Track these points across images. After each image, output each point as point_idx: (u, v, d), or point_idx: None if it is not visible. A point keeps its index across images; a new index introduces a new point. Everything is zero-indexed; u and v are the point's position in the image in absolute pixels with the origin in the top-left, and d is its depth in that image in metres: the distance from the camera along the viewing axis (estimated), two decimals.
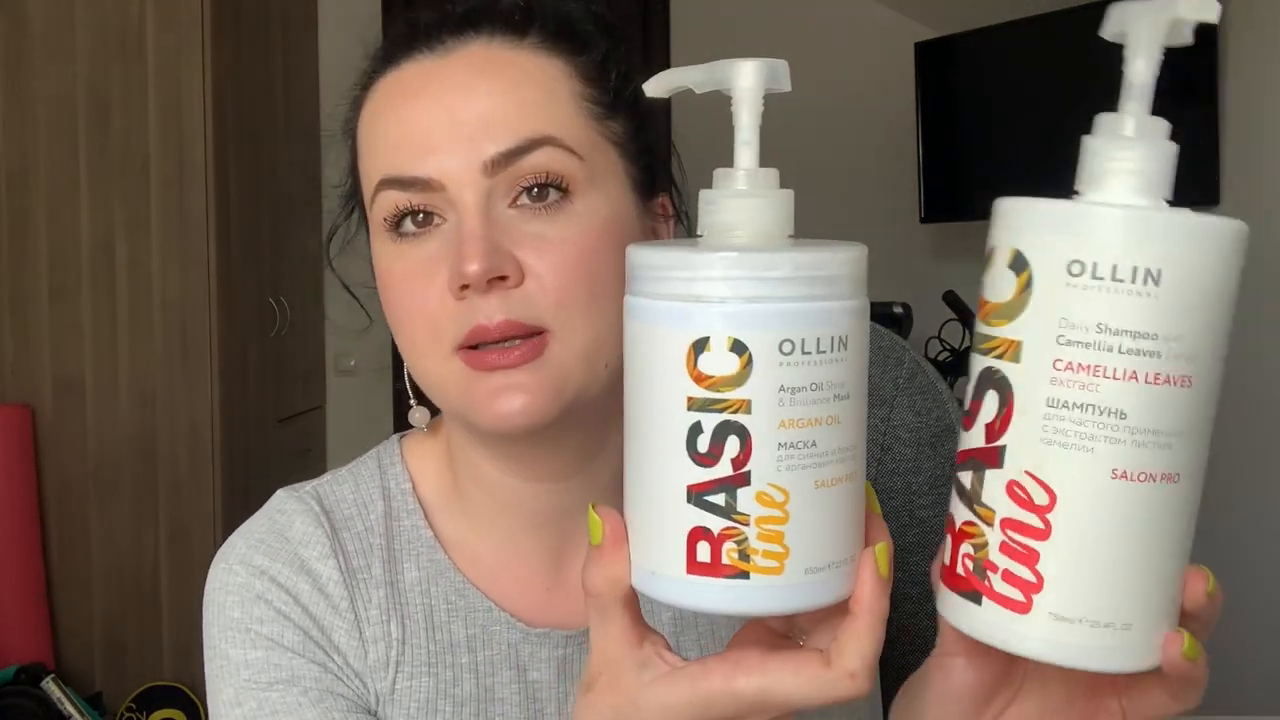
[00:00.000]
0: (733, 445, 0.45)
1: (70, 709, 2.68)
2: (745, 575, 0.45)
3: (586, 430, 0.70)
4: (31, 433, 2.95)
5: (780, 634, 0.53)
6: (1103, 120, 0.45)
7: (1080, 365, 0.42)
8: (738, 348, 0.44)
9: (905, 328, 3.35)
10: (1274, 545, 2.52)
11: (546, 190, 0.65)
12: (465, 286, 0.63)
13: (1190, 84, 2.75)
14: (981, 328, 0.45)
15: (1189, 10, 0.43)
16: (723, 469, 0.45)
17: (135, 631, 3.00)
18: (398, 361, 0.76)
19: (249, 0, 3.21)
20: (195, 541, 2.97)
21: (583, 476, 0.73)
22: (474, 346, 0.64)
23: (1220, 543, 2.72)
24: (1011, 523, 0.44)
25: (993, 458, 0.44)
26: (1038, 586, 0.43)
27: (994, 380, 0.44)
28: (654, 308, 0.46)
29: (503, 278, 0.63)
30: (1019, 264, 0.43)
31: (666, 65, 3.99)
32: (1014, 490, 0.43)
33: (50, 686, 2.69)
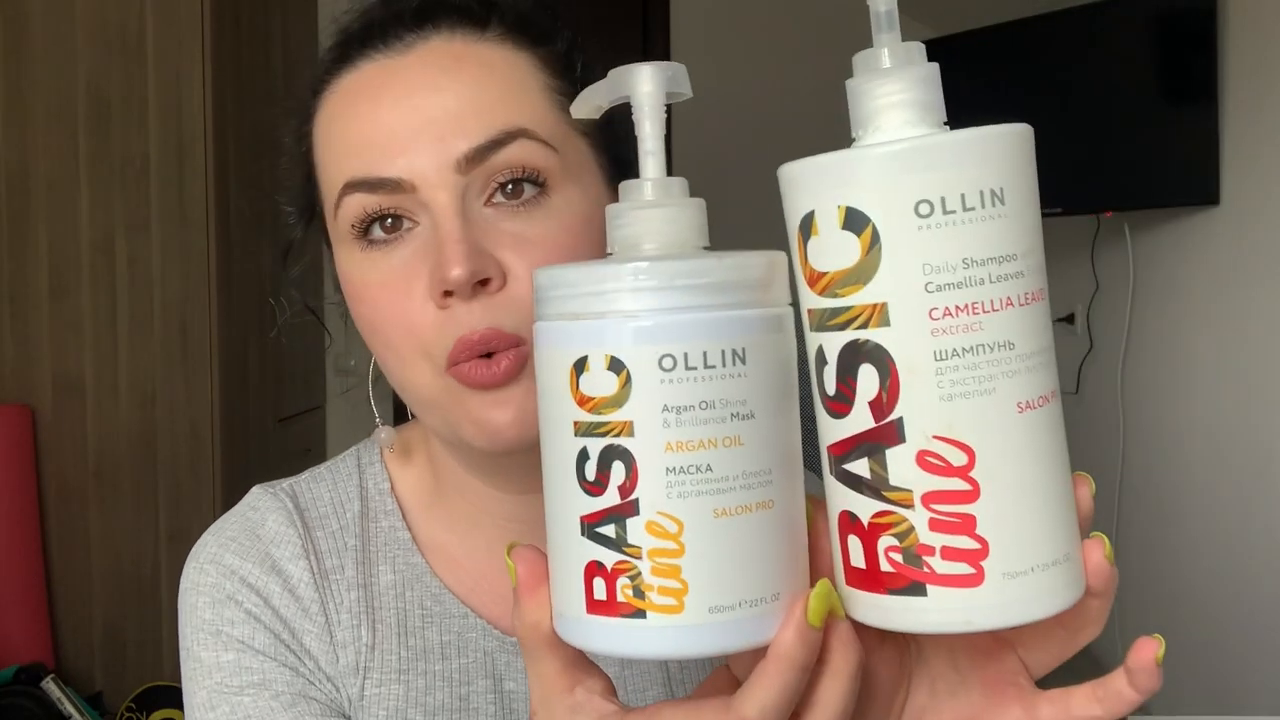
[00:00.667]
0: (618, 471, 0.41)
1: (70, 709, 2.68)
2: (642, 614, 0.41)
3: None
4: (31, 433, 2.94)
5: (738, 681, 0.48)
6: (862, 58, 0.42)
7: (958, 307, 0.39)
8: (615, 365, 0.40)
9: None
10: (1274, 545, 2.52)
11: (522, 185, 0.62)
12: (449, 294, 0.60)
13: (1190, 84, 2.75)
14: (823, 301, 0.41)
15: None
16: (610, 498, 0.41)
17: (135, 631, 2.99)
18: None
19: (249, 0, 3.21)
20: (195, 541, 2.96)
21: None
22: (464, 360, 0.61)
23: (1220, 543, 2.72)
24: (934, 495, 0.40)
25: (890, 434, 0.40)
26: (983, 552, 0.40)
27: (865, 352, 0.40)
28: (544, 329, 0.43)
29: (486, 281, 0.61)
30: (856, 221, 0.39)
31: None
32: (926, 460, 0.40)
33: (50, 686, 2.69)
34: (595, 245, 0.63)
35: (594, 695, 0.46)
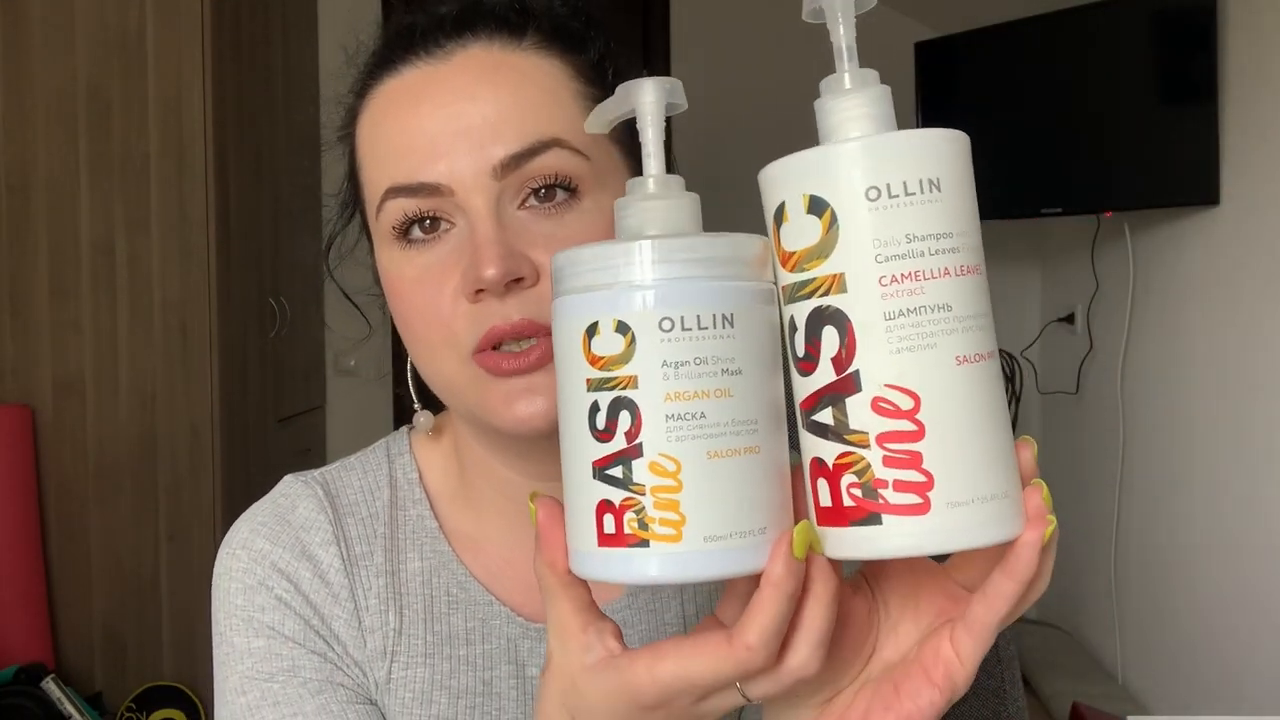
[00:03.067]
0: (625, 419, 0.48)
1: (70, 709, 2.68)
2: (646, 544, 0.47)
3: None
4: (31, 433, 2.95)
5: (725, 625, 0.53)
6: (828, 82, 0.50)
7: (903, 275, 0.46)
8: (622, 328, 0.48)
9: None
10: (1275, 545, 2.52)
11: (555, 191, 0.66)
12: (481, 291, 0.64)
13: (1190, 84, 2.75)
14: (792, 276, 0.48)
15: None
16: (618, 443, 0.48)
17: (135, 631, 2.99)
18: (398, 364, 0.76)
19: (249, 0, 3.21)
20: (195, 541, 2.97)
21: None
22: (493, 348, 0.65)
23: (1221, 542, 2.72)
24: (886, 435, 0.46)
25: (849, 385, 0.47)
26: (929, 484, 0.46)
27: (827, 316, 0.47)
28: (560, 303, 0.51)
29: (519, 279, 0.64)
30: (817, 206, 0.47)
31: (667, 66, 3.95)
32: (879, 405, 0.46)
33: (50, 686, 2.69)
34: None
35: (605, 635, 0.52)
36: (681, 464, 0.47)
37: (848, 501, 0.47)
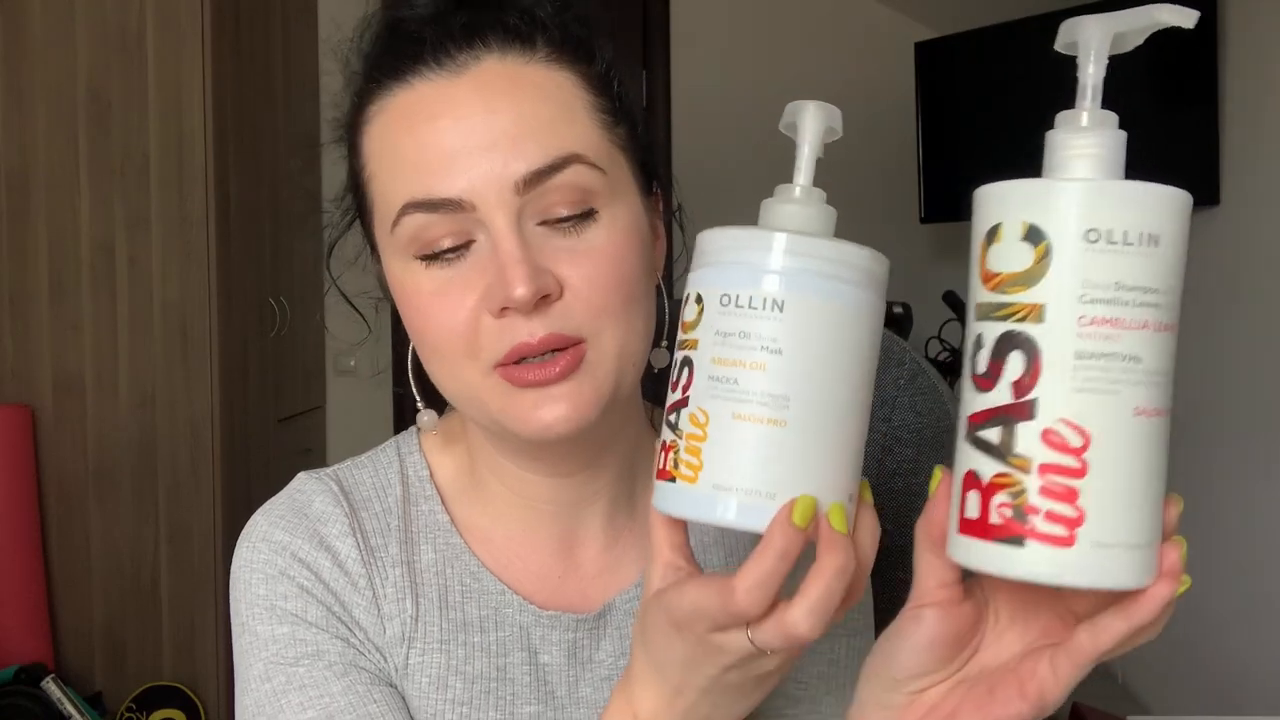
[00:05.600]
0: (684, 375, 0.55)
1: (70, 709, 2.68)
2: (673, 480, 0.55)
3: (607, 427, 0.72)
4: (31, 433, 2.94)
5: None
6: (1064, 116, 0.52)
7: (1103, 319, 0.47)
8: (699, 299, 0.55)
9: (905, 328, 3.36)
10: (1275, 545, 2.52)
11: (575, 208, 0.67)
12: (507, 308, 0.65)
13: (1190, 84, 2.75)
14: (993, 296, 0.50)
15: (1170, 16, 0.52)
16: (678, 394, 0.55)
17: (135, 631, 2.99)
18: (398, 365, 0.77)
19: (249, 0, 3.21)
20: (195, 541, 2.97)
21: (595, 469, 0.77)
22: (516, 361, 0.66)
23: (1221, 542, 2.72)
24: (1050, 467, 0.48)
25: (1024, 411, 0.49)
26: (1079, 520, 0.48)
27: (1018, 341, 0.49)
28: (699, 276, 0.57)
29: (545, 296, 0.65)
30: (1034, 236, 0.48)
31: (666, 68, 3.94)
32: (1049, 437, 0.48)
33: (50, 686, 2.69)
34: (639, 251, 0.70)
35: (679, 566, 0.59)
36: (710, 418, 0.53)
37: (995, 519, 0.49)
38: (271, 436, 3.35)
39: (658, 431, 0.80)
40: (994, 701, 0.54)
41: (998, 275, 0.50)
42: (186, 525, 2.97)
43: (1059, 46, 0.54)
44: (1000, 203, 0.50)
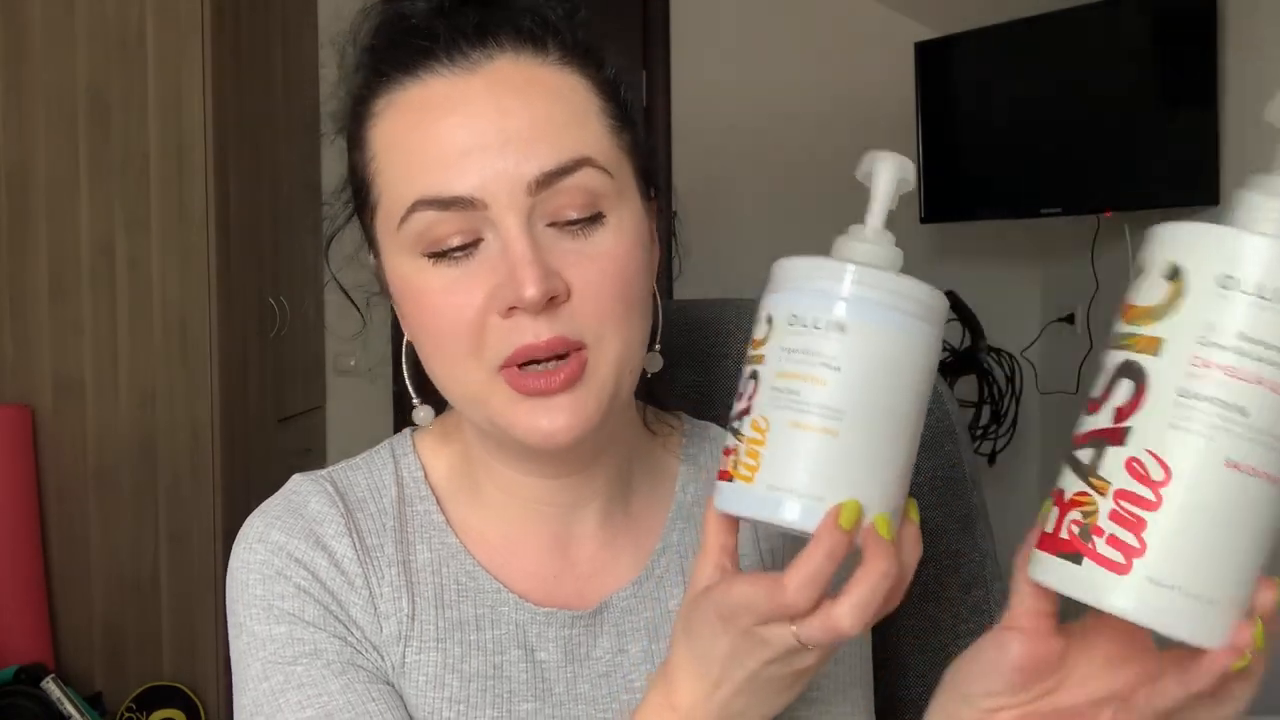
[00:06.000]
0: (749, 387, 0.59)
1: (70, 709, 2.68)
2: (732, 480, 0.58)
3: (604, 431, 0.72)
4: (31, 433, 2.94)
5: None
6: (1263, 180, 0.51)
7: (1217, 364, 0.47)
8: (768, 320, 0.59)
9: None
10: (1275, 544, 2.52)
11: (584, 209, 0.67)
12: (514, 308, 0.66)
13: (1190, 84, 2.75)
14: (1122, 328, 0.51)
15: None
16: (743, 403, 0.59)
17: (135, 631, 2.99)
18: (396, 363, 0.77)
19: (249, 0, 3.21)
20: (195, 541, 2.97)
21: (591, 471, 0.77)
22: (521, 364, 0.66)
23: None
24: (1125, 494, 0.49)
25: (1117, 436, 0.49)
26: (1140, 551, 0.48)
27: (1130, 370, 0.50)
28: (774, 300, 0.60)
29: (554, 298, 0.66)
30: (1174, 274, 0.49)
31: (667, 69, 3.93)
32: (1133, 465, 0.49)
33: (50, 686, 2.69)
34: (642, 256, 0.70)
35: (724, 564, 0.61)
36: (770, 424, 0.57)
37: (1064, 534, 0.51)
38: (271, 436, 3.35)
39: (651, 431, 0.81)
40: None
41: (1133, 308, 0.51)
42: (186, 525, 2.97)
43: (1267, 117, 0.52)
44: (1156, 242, 0.51)
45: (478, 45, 0.68)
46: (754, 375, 0.59)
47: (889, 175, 0.60)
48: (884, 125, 3.60)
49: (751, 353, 0.60)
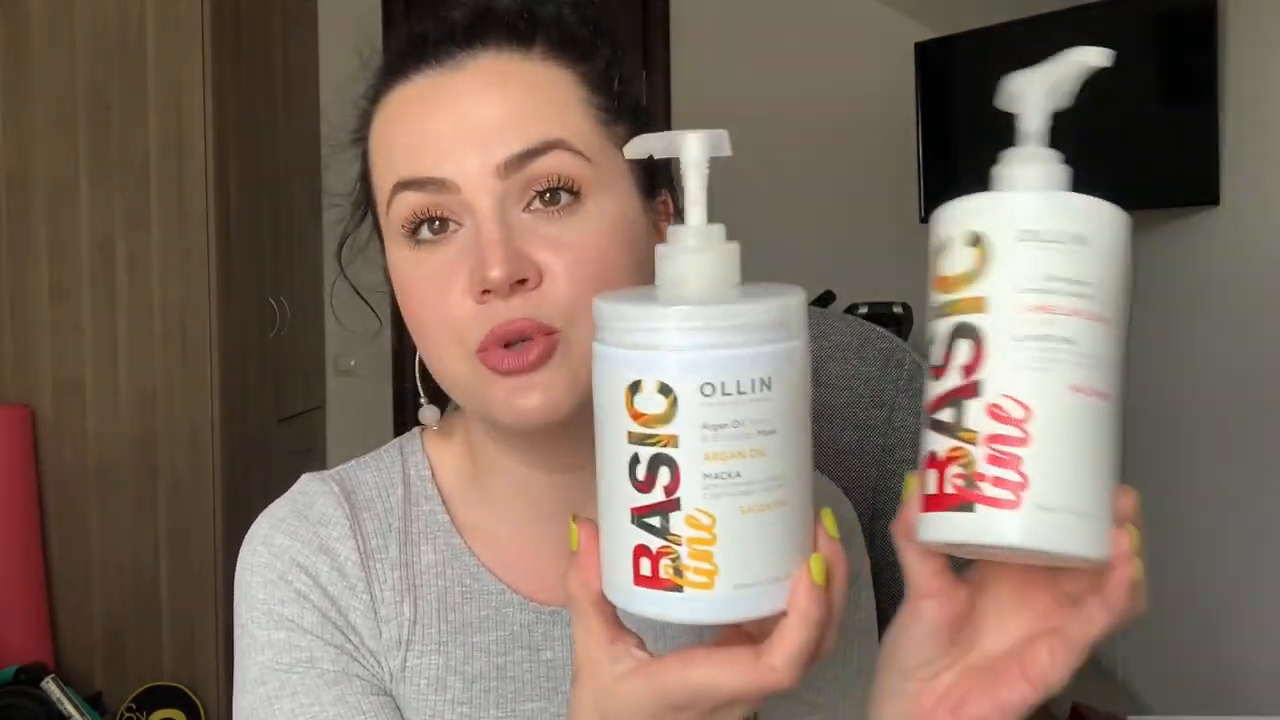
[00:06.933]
0: (664, 475, 0.50)
1: (70, 709, 2.68)
2: (679, 589, 0.51)
3: (586, 417, 0.72)
4: (31, 433, 2.95)
5: (751, 636, 0.57)
6: (1011, 153, 0.57)
7: (1038, 306, 0.52)
8: (665, 390, 0.50)
9: (905, 328, 3.36)
10: (1275, 544, 2.52)
11: (558, 194, 0.68)
12: (487, 291, 0.66)
13: (1190, 84, 2.75)
14: (943, 297, 0.54)
15: (1093, 58, 0.56)
16: (657, 495, 0.51)
17: (135, 631, 3.00)
18: (398, 362, 0.78)
19: (249, 0, 3.21)
20: (195, 541, 2.97)
21: (594, 466, 0.76)
22: (499, 347, 0.67)
23: (1221, 542, 2.72)
24: (995, 437, 0.51)
25: (971, 390, 0.52)
26: (1024, 484, 0.51)
27: (965, 330, 0.53)
28: (604, 353, 0.53)
29: (523, 280, 0.66)
30: (976, 240, 0.53)
31: (667, 69, 3.94)
32: (994, 411, 0.52)
33: (50, 686, 2.69)
34: (626, 247, 0.71)
35: (631, 647, 0.56)
36: (717, 519, 0.50)
37: (949, 489, 0.52)
38: (271, 436, 3.35)
39: None
40: (999, 686, 0.57)
41: (948, 278, 0.54)
42: (186, 525, 2.97)
43: (1000, 105, 0.59)
44: (946, 219, 0.55)
45: (464, 45, 0.71)
46: (664, 461, 0.50)
47: (700, 151, 0.55)
48: (884, 125, 3.60)
49: (641, 430, 0.51)
